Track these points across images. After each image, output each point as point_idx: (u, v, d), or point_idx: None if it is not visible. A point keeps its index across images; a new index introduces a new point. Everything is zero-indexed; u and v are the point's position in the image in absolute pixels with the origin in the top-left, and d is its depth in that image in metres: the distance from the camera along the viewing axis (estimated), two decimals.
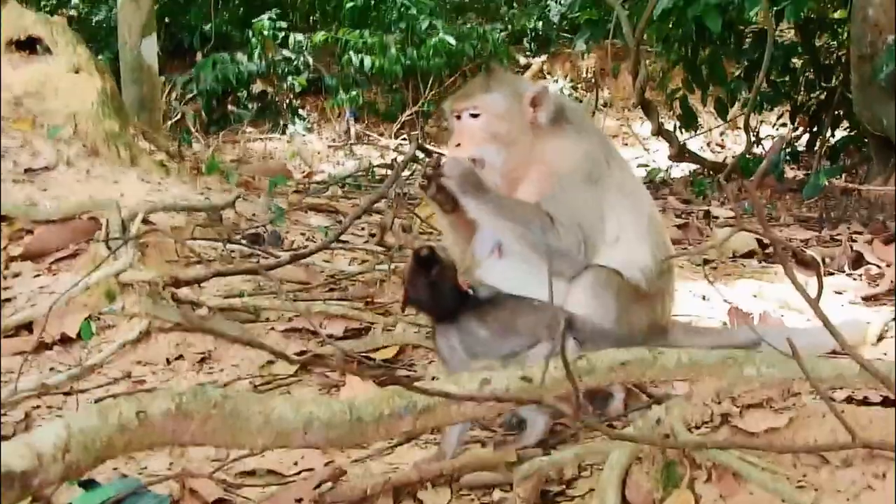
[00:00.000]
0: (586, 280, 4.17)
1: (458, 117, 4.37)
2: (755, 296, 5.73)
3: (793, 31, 12.62)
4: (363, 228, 7.53)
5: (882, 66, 8.39)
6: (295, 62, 16.11)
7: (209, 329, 4.38)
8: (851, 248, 6.66)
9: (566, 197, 4.24)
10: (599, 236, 4.28)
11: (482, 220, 4.20)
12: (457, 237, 4.42)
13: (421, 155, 8.81)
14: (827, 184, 9.17)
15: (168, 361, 4.76)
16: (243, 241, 6.43)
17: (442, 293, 3.73)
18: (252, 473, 3.63)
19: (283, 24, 16.36)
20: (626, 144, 14.81)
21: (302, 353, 4.80)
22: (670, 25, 11.11)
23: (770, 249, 6.66)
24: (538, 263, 4.05)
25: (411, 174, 9.33)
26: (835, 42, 11.94)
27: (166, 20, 16.32)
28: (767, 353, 3.18)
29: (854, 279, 6.16)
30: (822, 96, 11.54)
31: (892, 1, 8.53)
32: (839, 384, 3.21)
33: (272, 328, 5.10)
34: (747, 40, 11.56)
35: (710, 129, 14.40)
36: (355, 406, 2.80)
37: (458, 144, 4.32)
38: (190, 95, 15.35)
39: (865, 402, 3.50)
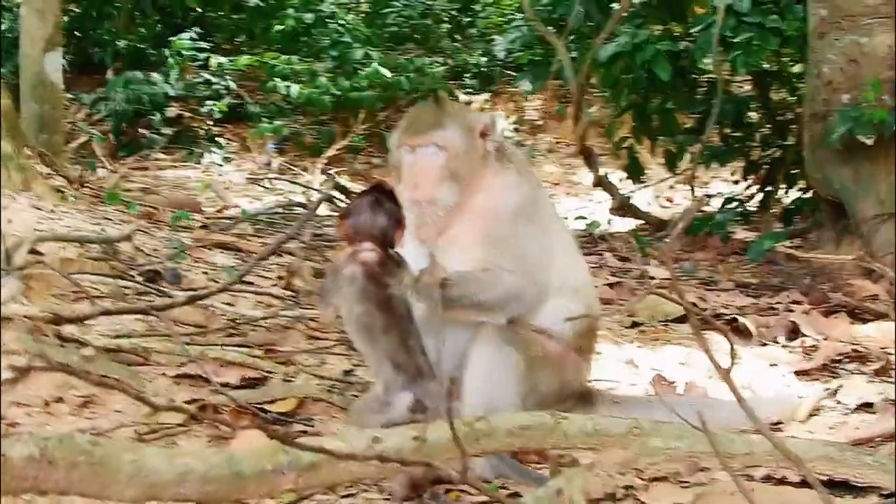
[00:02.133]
0: (484, 340, 4.31)
1: (412, 151, 4.46)
2: (682, 363, 5.84)
3: (750, 85, 12.80)
4: (272, 270, 7.57)
5: (835, 127, 8.51)
6: (215, 86, 16.11)
7: (85, 374, 4.40)
8: (788, 317, 6.79)
9: (515, 233, 4.40)
10: (546, 279, 4.44)
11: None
12: None
13: (338, 194, 8.88)
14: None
15: (46, 404, 4.74)
16: (138, 278, 6.46)
17: (382, 213, 4.24)
18: None
19: (205, 45, 16.36)
20: (569, 194, 14.93)
21: (193, 401, 4.82)
22: (620, 71, 11.25)
23: (707, 315, 6.78)
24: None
25: (328, 213, 9.39)
26: (794, 98, 12.08)
27: (76, 33, 16.28)
28: (677, 425, 3.29)
29: (790, 351, 6.28)
30: (778, 153, 11.71)
31: (849, 59, 8.69)
32: (750, 462, 3.34)
33: (163, 373, 5.12)
34: (701, 90, 11.73)
35: (659, 182, 14.51)
36: (235, 459, 2.86)
37: (416, 185, 4.39)
38: (98, 116, 15.26)
39: (783, 482, 3.63)
